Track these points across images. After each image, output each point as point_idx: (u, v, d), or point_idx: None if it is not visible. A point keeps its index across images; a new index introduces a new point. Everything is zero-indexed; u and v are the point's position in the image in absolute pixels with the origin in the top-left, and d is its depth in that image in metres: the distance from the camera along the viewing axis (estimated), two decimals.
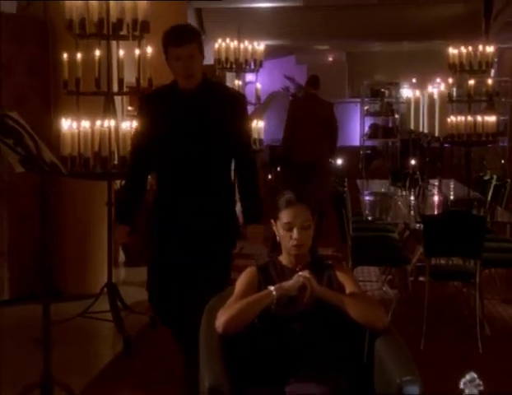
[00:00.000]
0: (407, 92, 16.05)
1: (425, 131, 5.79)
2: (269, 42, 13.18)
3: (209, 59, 11.58)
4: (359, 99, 15.45)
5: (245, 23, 11.95)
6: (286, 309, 2.62)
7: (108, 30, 4.55)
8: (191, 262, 3.48)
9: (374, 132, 14.73)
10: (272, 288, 2.59)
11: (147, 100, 3.60)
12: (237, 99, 3.52)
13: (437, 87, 6.16)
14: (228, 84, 9.56)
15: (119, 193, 3.84)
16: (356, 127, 15.50)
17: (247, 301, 2.60)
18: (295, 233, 2.65)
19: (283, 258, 2.75)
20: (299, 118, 8.42)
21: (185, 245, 3.47)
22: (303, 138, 8.26)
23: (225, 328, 2.57)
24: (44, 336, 3.55)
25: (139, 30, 4.57)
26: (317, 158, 8.19)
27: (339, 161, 14.40)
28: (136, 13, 4.53)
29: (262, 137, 7.66)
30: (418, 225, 5.19)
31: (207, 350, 2.60)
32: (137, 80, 4.70)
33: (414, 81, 16.31)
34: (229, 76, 9.31)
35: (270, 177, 12.53)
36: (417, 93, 6.45)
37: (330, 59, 16.58)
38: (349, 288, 2.71)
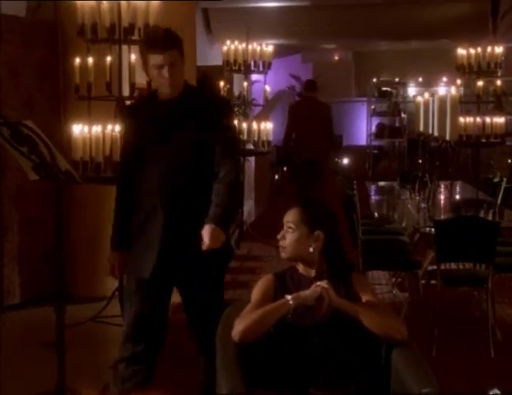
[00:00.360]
0: (413, 91, 16.09)
1: (436, 133, 5.77)
2: (276, 41, 13.18)
3: (216, 60, 11.61)
4: (365, 99, 15.43)
5: (252, 23, 11.93)
6: (302, 318, 2.62)
7: (119, 35, 4.55)
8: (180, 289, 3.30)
9: (381, 131, 14.72)
10: (289, 297, 2.60)
11: (129, 112, 3.44)
12: (221, 106, 3.31)
13: (447, 90, 6.14)
14: (236, 85, 9.57)
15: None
16: (362, 127, 15.50)
17: (263, 310, 2.61)
18: (281, 232, 2.78)
19: (300, 267, 2.76)
20: (299, 120, 8.86)
21: (168, 270, 3.19)
22: (302, 139, 8.77)
23: (242, 337, 2.59)
24: (58, 346, 3.56)
25: None
26: (318, 156, 8.67)
27: (345, 160, 14.39)
28: (147, 18, 4.53)
29: (271, 138, 7.66)
30: (429, 228, 5.18)
31: (223, 358, 2.64)
32: (148, 83, 4.69)
33: (420, 80, 16.31)
34: (236, 77, 9.31)
35: (276, 177, 12.52)
36: (426, 95, 6.43)
37: (336, 58, 16.57)
38: (365, 297, 2.70)
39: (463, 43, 13.78)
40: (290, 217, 2.74)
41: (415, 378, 2.45)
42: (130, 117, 3.32)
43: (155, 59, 3.03)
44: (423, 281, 5.24)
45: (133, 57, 4.57)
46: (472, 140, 7.22)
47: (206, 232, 3.00)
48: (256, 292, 2.75)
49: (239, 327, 2.60)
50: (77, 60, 4.76)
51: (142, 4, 4.54)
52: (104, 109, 4.94)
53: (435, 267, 4.80)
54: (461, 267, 5.59)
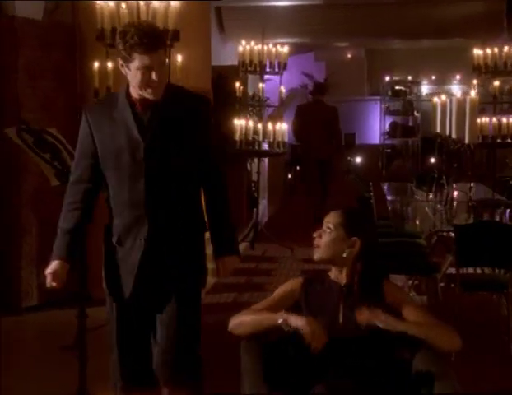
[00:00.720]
0: (426, 89, 16.03)
1: (453, 135, 5.74)
2: (289, 40, 13.15)
3: (229, 59, 11.60)
4: (379, 97, 15.37)
5: (265, 21, 11.90)
6: (335, 330, 2.66)
7: None
8: (152, 302, 2.97)
9: (394, 130, 14.68)
10: (281, 314, 2.66)
11: (90, 114, 2.92)
12: (205, 107, 3.01)
13: (461, 88, 6.10)
14: (250, 85, 9.56)
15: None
16: (375, 126, 15.45)
17: (258, 318, 2.74)
18: (318, 231, 2.79)
19: (332, 273, 2.79)
20: (305, 121, 9.46)
21: (144, 282, 2.93)
22: (310, 139, 9.37)
23: (232, 330, 2.81)
24: (80, 350, 3.56)
25: (170, 39, 4.56)
26: (325, 156, 9.40)
27: (358, 159, 14.37)
28: (167, 22, 4.53)
29: (286, 139, 7.66)
30: (446, 232, 5.16)
31: (247, 361, 2.73)
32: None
33: (433, 78, 16.24)
34: (250, 77, 9.30)
35: (290, 176, 12.51)
36: (444, 97, 6.40)
37: (349, 56, 16.50)
38: (406, 310, 2.70)
39: (476, 41, 13.77)
40: (331, 218, 2.77)
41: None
42: (95, 119, 2.89)
43: (143, 60, 2.70)
44: (442, 284, 5.22)
45: None
46: (487, 140, 7.19)
47: (230, 264, 2.97)
48: (277, 292, 2.86)
49: (234, 321, 2.79)
50: (96, 64, 4.76)
51: (162, 7, 4.54)
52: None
53: (453, 271, 4.78)
54: (479, 271, 5.57)
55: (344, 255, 2.72)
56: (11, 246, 5.66)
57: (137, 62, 2.71)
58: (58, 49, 5.72)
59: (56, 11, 6.05)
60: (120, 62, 2.78)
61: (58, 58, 5.73)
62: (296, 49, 15.05)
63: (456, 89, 15.72)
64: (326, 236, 2.74)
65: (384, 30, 13.47)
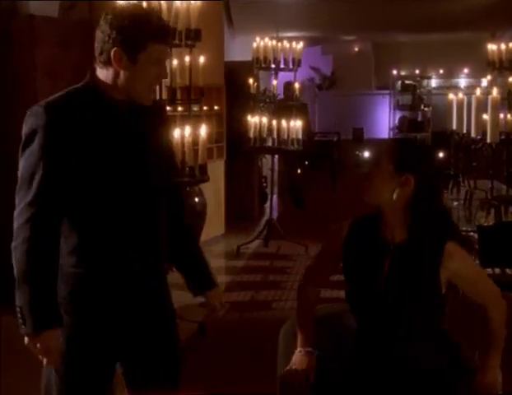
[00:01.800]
0: (434, 83, 15.99)
1: (472, 133, 5.72)
2: (297, 34, 13.13)
3: (239, 54, 11.56)
4: (387, 91, 15.34)
5: (273, 15, 11.88)
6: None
7: None
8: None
9: (403, 125, 14.66)
10: (298, 350, 2.50)
11: (55, 116, 2.18)
12: (163, 111, 2.66)
13: (487, 90, 6.07)
14: (262, 82, 9.54)
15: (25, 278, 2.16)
16: (383, 120, 15.42)
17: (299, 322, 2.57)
18: (366, 173, 2.40)
19: (384, 220, 2.37)
20: None
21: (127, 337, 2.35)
22: None
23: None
24: None
25: (192, 39, 4.54)
26: None
27: (366, 154, 14.33)
28: (189, 21, 4.50)
29: (300, 136, 7.63)
30: (466, 231, 5.15)
31: (284, 345, 2.67)
32: (188, 88, 4.68)
33: (441, 71, 16.21)
34: (261, 72, 9.27)
35: (299, 171, 12.47)
36: (461, 95, 6.37)
37: (356, 50, 16.47)
38: (471, 285, 2.40)
39: (485, 35, 13.71)
40: (378, 154, 2.37)
41: None
42: (60, 124, 2.17)
43: (161, 51, 2.24)
44: None
45: (175, 61, 4.54)
46: (502, 137, 7.17)
47: (218, 298, 2.66)
48: (324, 246, 2.57)
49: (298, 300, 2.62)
50: None
51: (183, 7, 4.51)
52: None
53: None
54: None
55: (394, 197, 2.26)
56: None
57: (154, 55, 2.21)
58: (76, 47, 5.68)
59: (72, 9, 6.02)
60: (119, 52, 2.17)
61: (76, 56, 5.69)
62: (303, 43, 15.06)
63: (464, 82, 15.72)
64: (372, 174, 2.31)
65: (391, 24, 13.43)
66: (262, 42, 7.39)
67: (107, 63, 2.21)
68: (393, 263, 2.30)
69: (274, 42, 7.44)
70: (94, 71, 2.27)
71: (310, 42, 15.27)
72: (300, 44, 7.46)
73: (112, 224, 2.23)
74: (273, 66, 7.50)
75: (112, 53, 2.18)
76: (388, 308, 2.30)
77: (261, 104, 8.73)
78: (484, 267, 4.65)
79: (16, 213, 2.15)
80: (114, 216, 2.23)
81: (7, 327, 5.00)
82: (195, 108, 6.52)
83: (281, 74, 7.97)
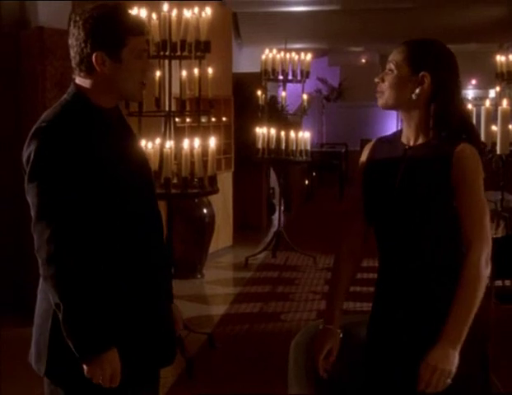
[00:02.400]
0: None
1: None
2: (304, 45, 13.17)
3: (246, 65, 11.58)
4: None
5: (281, 27, 11.93)
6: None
7: (170, 51, 4.54)
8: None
9: None
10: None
11: (60, 138, 2.08)
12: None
13: (496, 101, 6.04)
14: (269, 94, 9.54)
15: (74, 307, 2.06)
16: (391, 131, 15.35)
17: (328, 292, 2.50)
18: (380, 75, 2.31)
19: (403, 130, 2.34)
20: None
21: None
22: None
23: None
24: None
25: (202, 50, 4.55)
26: None
27: None
28: (198, 33, 4.51)
29: (308, 147, 7.63)
30: None
31: (294, 361, 2.61)
32: (198, 99, 4.68)
33: None
34: (269, 85, 9.28)
35: (307, 182, 12.48)
36: (470, 106, 6.34)
37: (363, 61, 16.49)
38: (464, 201, 2.17)
39: (492, 46, 13.70)
40: (392, 57, 2.29)
41: None
42: (73, 143, 2.08)
43: (142, 43, 2.19)
44: None
45: (184, 73, 4.55)
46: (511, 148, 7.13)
47: (180, 314, 2.50)
48: (355, 176, 2.52)
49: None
50: None
51: (194, 19, 4.52)
52: (152, 123, 4.94)
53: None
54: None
55: (413, 96, 2.23)
56: (27, 257, 5.63)
57: (137, 46, 2.15)
58: None
59: None
60: (101, 56, 2.10)
61: None
62: (310, 54, 15.09)
63: (472, 94, 15.71)
64: (389, 78, 2.25)
65: (398, 35, 13.42)
66: (271, 54, 7.39)
67: (90, 70, 2.14)
68: (408, 164, 2.26)
69: (282, 53, 7.44)
70: (74, 81, 2.21)
71: (317, 53, 15.31)
72: (309, 56, 7.46)
73: (128, 235, 2.17)
74: (281, 77, 7.50)
75: (94, 59, 2.11)
76: (402, 211, 2.24)
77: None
78: (495, 278, 4.62)
79: (40, 243, 2.05)
80: (129, 228, 2.18)
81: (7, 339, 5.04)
82: (203, 119, 6.54)
83: (289, 85, 7.98)
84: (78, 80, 2.20)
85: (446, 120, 2.22)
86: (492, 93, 13.49)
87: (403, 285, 2.26)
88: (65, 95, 2.22)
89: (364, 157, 2.42)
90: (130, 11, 2.25)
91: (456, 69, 2.29)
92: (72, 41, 2.16)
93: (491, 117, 5.70)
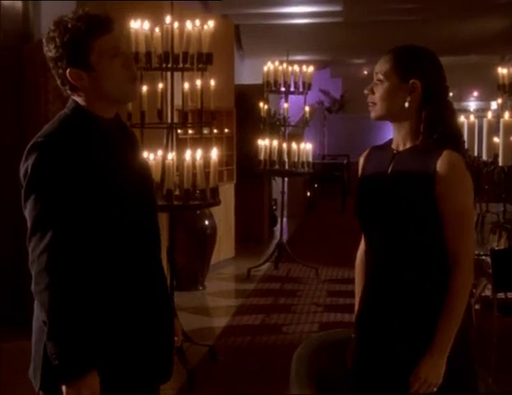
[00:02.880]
0: None
1: (484, 157, 5.69)
2: (305, 57, 13.19)
3: (248, 77, 11.61)
4: None
5: (283, 38, 11.98)
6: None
7: (172, 63, 4.55)
8: None
9: None
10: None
11: (58, 152, 2.05)
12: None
13: (498, 113, 6.05)
14: (272, 105, 9.57)
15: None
16: None
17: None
18: (368, 86, 2.29)
19: (394, 137, 2.34)
20: None
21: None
22: None
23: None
24: None
25: (204, 62, 4.56)
26: None
27: None
28: (200, 46, 4.53)
29: (310, 159, 7.63)
30: (478, 255, 5.10)
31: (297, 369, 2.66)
32: (200, 111, 4.70)
33: (451, 94, 16.22)
34: (271, 95, 9.30)
35: (309, 194, 12.48)
36: (472, 117, 6.35)
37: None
38: (446, 211, 2.16)
39: (494, 58, 13.72)
40: (379, 67, 2.27)
41: None
42: (69, 159, 2.04)
43: (109, 42, 2.08)
44: (477, 307, 5.15)
45: (187, 85, 4.56)
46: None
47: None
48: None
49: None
50: None
51: (196, 31, 4.54)
52: (154, 135, 4.95)
53: (487, 294, 4.72)
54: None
55: (406, 104, 2.21)
56: (27, 270, 5.62)
57: (102, 49, 2.06)
58: None
59: None
60: (74, 72, 2.05)
61: None
62: (312, 66, 15.14)
63: (473, 105, 15.73)
64: (379, 89, 2.24)
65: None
66: (273, 65, 7.41)
67: (73, 88, 2.10)
68: (394, 170, 2.26)
69: (285, 65, 7.46)
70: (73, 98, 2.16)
71: (319, 65, 15.35)
72: (311, 68, 7.49)
73: (127, 246, 2.14)
74: (283, 89, 7.52)
75: (69, 77, 2.07)
76: (389, 219, 2.23)
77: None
78: (498, 291, 4.61)
79: (33, 257, 2.02)
80: (128, 240, 2.14)
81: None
82: (205, 131, 6.55)
83: (291, 97, 8.00)
84: (75, 97, 2.17)
85: (438, 124, 2.21)
86: (494, 105, 13.50)
87: (397, 296, 2.25)
88: (65, 109, 2.20)
89: (359, 166, 2.45)
90: (90, 14, 2.11)
91: (443, 72, 2.30)
92: (49, 65, 2.14)
93: (493, 129, 5.72)
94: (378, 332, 2.30)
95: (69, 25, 2.06)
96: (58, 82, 2.15)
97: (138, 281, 2.17)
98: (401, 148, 2.29)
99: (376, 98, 2.25)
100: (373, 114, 2.29)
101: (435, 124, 2.21)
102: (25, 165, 2.07)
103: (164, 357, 2.27)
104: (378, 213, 2.27)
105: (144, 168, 2.33)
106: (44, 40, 2.12)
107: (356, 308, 2.46)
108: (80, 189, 2.03)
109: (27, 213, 2.06)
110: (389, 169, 2.27)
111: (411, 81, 2.21)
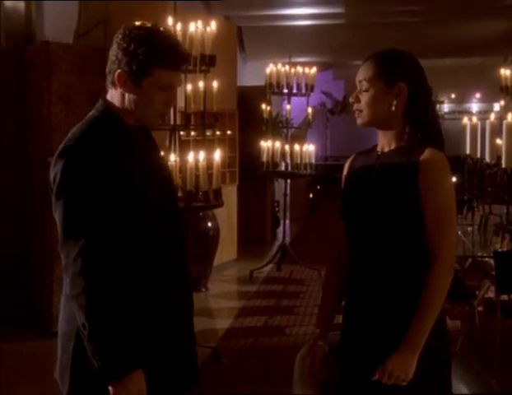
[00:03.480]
0: (445, 108, 15.99)
1: (487, 159, 5.68)
2: (309, 59, 13.18)
3: (251, 79, 11.61)
4: None
5: (285, 40, 11.98)
6: None
7: None
8: None
9: None
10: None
11: (90, 156, 2.05)
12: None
13: (500, 115, 6.04)
14: (274, 107, 9.56)
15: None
16: None
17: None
18: (353, 94, 2.29)
19: (379, 141, 2.36)
20: None
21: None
22: None
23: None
24: None
25: (206, 64, 4.56)
26: None
27: None
28: (203, 48, 4.53)
29: (313, 160, 7.63)
30: (481, 257, 5.09)
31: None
32: (203, 112, 4.70)
33: (453, 96, 16.21)
34: (273, 97, 9.30)
35: (311, 196, 12.48)
36: (475, 119, 6.35)
37: None
38: (427, 210, 2.15)
39: (496, 59, 13.71)
40: (362, 74, 2.25)
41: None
42: (103, 162, 2.06)
43: (169, 78, 2.12)
44: (480, 309, 5.15)
45: (189, 87, 4.56)
46: None
47: None
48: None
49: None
50: None
51: (198, 34, 4.54)
52: (157, 137, 4.93)
53: (490, 296, 4.71)
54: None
55: (393, 108, 2.22)
56: (42, 271, 5.66)
57: (158, 80, 2.09)
58: (91, 73, 5.73)
59: (86, 36, 6.08)
60: (123, 75, 2.09)
61: (91, 81, 5.73)
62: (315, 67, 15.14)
63: (476, 107, 15.72)
64: (365, 96, 2.24)
65: (402, 49, 13.46)
66: (275, 67, 7.42)
67: (113, 85, 2.14)
68: (378, 171, 2.27)
69: (287, 67, 7.47)
70: (106, 93, 2.20)
71: (321, 67, 15.34)
72: (314, 70, 7.49)
73: (149, 248, 2.13)
74: (286, 91, 7.52)
75: (116, 75, 2.10)
76: (373, 211, 2.22)
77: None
78: (501, 293, 4.61)
79: (68, 261, 2.02)
80: (151, 242, 2.14)
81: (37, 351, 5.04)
82: (208, 132, 6.55)
83: (293, 99, 8.00)
84: (109, 94, 2.19)
85: (424, 123, 2.23)
86: (497, 107, 13.50)
87: (384, 297, 2.23)
88: (93, 111, 2.19)
89: (344, 170, 2.44)
90: (175, 44, 2.15)
91: (424, 73, 2.29)
92: (110, 51, 2.16)
93: (496, 131, 5.72)
94: (367, 335, 2.28)
95: (146, 40, 2.08)
96: (106, 70, 2.17)
97: (158, 284, 2.15)
98: (386, 150, 2.30)
99: (362, 105, 2.25)
100: (359, 121, 2.29)
101: (421, 124, 2.23)
102: (55, 169, 2.07)
103: (188, 359, 2.27)
104: (363, 213, 2.26)
105: (167, 174, 2.35)
106: (120, 30, 2.13)
107: (321, 314, 2.48)
108: (109, 193, 2.03)
109: (57, 217, 2.07)
110: (374, 168, 2.29)
111: (397, 85, 2.22)
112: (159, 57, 2.08)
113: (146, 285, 2.12)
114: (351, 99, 2.29)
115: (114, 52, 2.13)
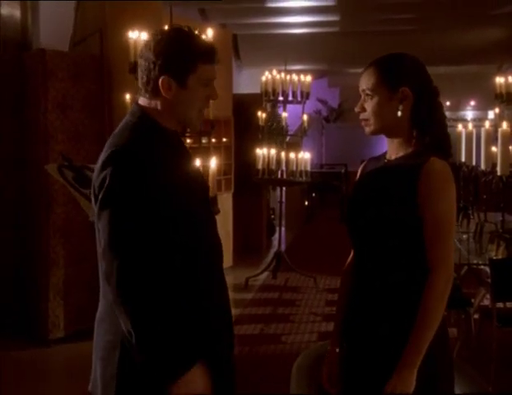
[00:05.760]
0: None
1: (482, 166, 5.69)
2: (303, 66, 13.22)
3: (246, 86, 11.63)
4: None
5: (281, 48, 11.99)
6: None
7: None
8: None
9: None
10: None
11: (137, 163, 2.03)
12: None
13: (495, 122, 6.06)
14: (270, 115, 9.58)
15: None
16: None
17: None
18: (358, 104, 2.28)
19: (388, 149, 2.34)
20: None
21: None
22: None
23: None
24: None
25: None
26: None
27: None
28: None
29: (308, 168, 7.63)
30: (476, 264, 5.09)
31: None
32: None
33: (448, 103, 16.24)
34: (268, 105, 9.32)
35: (306, 203, 12.48)
36: (470, 126, 6.37)
37: None
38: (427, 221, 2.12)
39: (491, 67, 13.76)
40: (364, 83, 2.24)
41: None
42: (151, 168, 2.04)
43: (210, 72, 2.14)
44: (476, 316, 5.15)
45: None
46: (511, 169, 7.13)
47: None
48: None
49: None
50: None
51: None
52: None
53: (486, 304, 4.71)
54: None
55: (399, 113, 2.20)
56: (39, 278, 5.65)
57: (203, 75, 2.11)
58: (87, 81, 5.74)
59: (82, 44, 6.08)
60: (167, 80, 2.08)
61: (87, 89, 5.74)
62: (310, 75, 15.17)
63: (471, 115, 15.77)
64: (369, 105, 2.23)
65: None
66: (270, 75, 7.43)
67: (155, 93, 2.11)
68: (381, 174, 2.26)
69: (283, 75, 7.48)
70: (137, 101, 2.18)
71: (317, 74, 15.37)
72: (309, 77, 7.50)
73: (190, 254, 2.10)
74: (281, 98, 7.54)
75: (160, 82, 2.08)
76: (369, 216, 2.22)
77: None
78: (497, 300, 4.61)
79: (111, 269, 1.99)
80: (192, 248, 2.11)
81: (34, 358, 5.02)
82: (204, 140, 6.55)
83: (289, 106, 8.02)
84: (142, 101, 2.17)
85: (430, 128, 2.21)
86: (491, 114, 13.54)
87: (384, 299, 2.22)
88: (129, 117, 2.18)
89: (356, 177, 2.45)
90: (204, 38, 2.22)
91: (427, 74, 2.27)
92: (141, 61, 2.13)
93: (492, 138, 5.74)
94: (367, 337, 2.27)
95: (185, 39, 2.12)
96: (141, 81, 2.14)
97: (199, 290, 2.13)
98: (393, 157, 2.28)
99: (368, 114, 2.24)
100: (367, 130, 2.27)
101: (427, 127, 2.21)
102: (102, 176, 2.04)
103: (226, 370, 2.28)
104: (363, 217, 2.26)
105: (203, 180, 2.35)
106: (151, 37, 2.15)
107: (337, 319, 2.43)
108: (155, 201, 2.01)
109: (101, 225, 2.04)
110: (377, 175, 2.28)
111: (400, 90, 2.20)
112: (200, 52, 2.11)
113: (187, 290, 2.09)
114: (356, 109, 2.28)
115: (149, 60, 2.10)
